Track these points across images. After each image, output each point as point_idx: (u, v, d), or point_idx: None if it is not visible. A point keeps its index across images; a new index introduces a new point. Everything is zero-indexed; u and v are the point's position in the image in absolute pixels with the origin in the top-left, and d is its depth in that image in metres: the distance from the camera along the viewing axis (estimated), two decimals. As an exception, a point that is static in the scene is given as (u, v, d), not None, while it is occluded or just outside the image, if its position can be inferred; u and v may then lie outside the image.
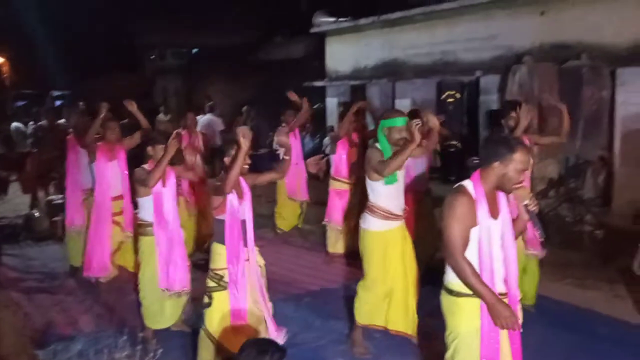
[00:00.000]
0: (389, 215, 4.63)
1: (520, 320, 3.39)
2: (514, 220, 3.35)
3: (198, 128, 9.80)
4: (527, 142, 5.08)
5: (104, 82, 24.56)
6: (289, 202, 8.09)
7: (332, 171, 7.34)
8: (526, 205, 3.31)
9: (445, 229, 3.19)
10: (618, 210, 8.21)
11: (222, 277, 4.23)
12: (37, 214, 9.06)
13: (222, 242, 4.22)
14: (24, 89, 25.44)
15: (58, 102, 21.81)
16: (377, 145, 4.63)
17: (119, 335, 3.40)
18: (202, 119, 14.83)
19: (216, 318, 4.25)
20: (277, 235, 8.22)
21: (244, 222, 4.28)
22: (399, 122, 4.56)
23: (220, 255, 4.24)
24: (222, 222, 4.19)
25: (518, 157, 3.13)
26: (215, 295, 4.24)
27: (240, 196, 4.23)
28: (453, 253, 3.15)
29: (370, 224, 4.66)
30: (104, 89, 23.46)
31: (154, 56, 31.65)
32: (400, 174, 4.66)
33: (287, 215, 8.22)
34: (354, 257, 6.01)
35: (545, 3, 9.15)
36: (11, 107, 20.77)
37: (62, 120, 15.50)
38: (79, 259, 6.82)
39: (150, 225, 4.95)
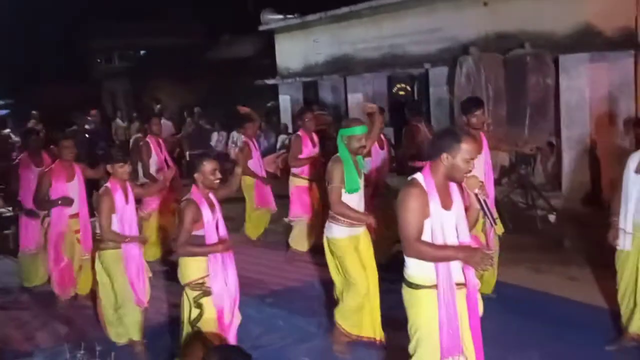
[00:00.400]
0: (353, 222, 4.66)
1: (481, 310, 3.46)
2: (466, 210, 3.41)
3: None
4: (484, 139, 5.25)
5: (50, 89, 23.95)
6: (257, 211, 8.08)
7: (293, 169, 7.37)
8: (476, 194, 3.36)
9: (400, 221, 3.23)
10: (568, 193, 8.45)
11: (202, 284, 4.21)
12: (-15, 228, 8.76)
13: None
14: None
15: (1, 112, 21.13)
16: (339, 155, 4.64)
17: (77, 348, 3.32)
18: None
19: (211, 321, 4.24)
20: (240, 236, 8.16)
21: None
22: (358, 130, 4.60)
23: (197, 268, 4.22)
24: (201, 237, 4.21)
25: (464, 146, 3.20)
26: (203, 301, 4.22)
27: (213, 210, 4.26)
28: (410, 242, 3.20)
29: (335, 232, 4.67)
30: (50, 96, 22.89)
31: (100, 60, 31.05)
32: (361, 181, 4.70)
33: (257, 224, 8.18)
34: (317, 253, 5.99)
35: (488, -6, 9.33)
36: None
37: (7, 130, 15.05)
38: (32, 280, 6.81)
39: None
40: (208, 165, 4.21)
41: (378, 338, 4.79)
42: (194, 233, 4.20)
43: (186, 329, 4.30)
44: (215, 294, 4.23)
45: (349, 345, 4.80)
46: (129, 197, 4.97)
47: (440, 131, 3.45)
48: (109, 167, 4.92)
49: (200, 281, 4.23)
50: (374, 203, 5.92)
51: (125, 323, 4.91)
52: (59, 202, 5.92)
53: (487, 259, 3.21)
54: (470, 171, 3.27)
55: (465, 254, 3.22)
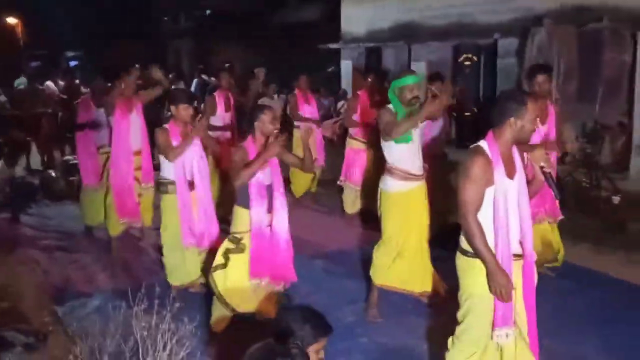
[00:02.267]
0: (407, 176, 4.60)
1: (535, 282, 3.40)
2: (529, 182, 3.34)
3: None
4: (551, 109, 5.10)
5: (118, 44, 24.48)
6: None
7: (351, 131, 7.34)
8: (542, 167, 3.30)
9: (460, 189, 3.19)
10: (635, 176, 8.14)
11: (240, 239, 4.26)
12: (53, 174, 9.14)
13: (245, 206, 4.26)
14: (37, 50, 25.44)
15: (72, 63, 21.81)
16: (390, 106, 4.58)
17: (135, 291, 3.45)
18: (196, 82, 15.25)
19: (231, 279, 4.30)
20: (291, 198, 8.24)
21: (269, 187, 4.32)
22: (410, 80, 4.51)
23: (241, 219, 4.28)
24: (246, 187, 4.23)
25: (530, 107, 3.17)
26: (232, 257, 4.28)
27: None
28: (465, 213, 3.17)
29: (389, 185, 4.64)
30: (117, 51, 23.43)
31: (167, 18, 31.43)
32: (415, 133, 4.60)
33: (300, 181, 8.20)
34: (371, 219, 5.97)
35: (567, -38, 8.94)
36: (25, 67, 20.77)
37: (77, 81, 15.50)
38: (95, 218, 6.92)
39: (172, 183, 4.97)
40: (268, 114, 4.28)
41: (418, 291, 4.81)
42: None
43: (211, 278, 4.36)
44: (253, 259, 4.26)
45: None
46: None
47: (502, 96, 3.37)
48: (172, 109, 4.96)
49: (239, 236, 4.27)
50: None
51: (185, 265, 5.05)
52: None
53: (508, 292, 3.13)
54: (535, 129, 3.25)
55: (496, 273, 3.11)
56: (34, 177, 9.49)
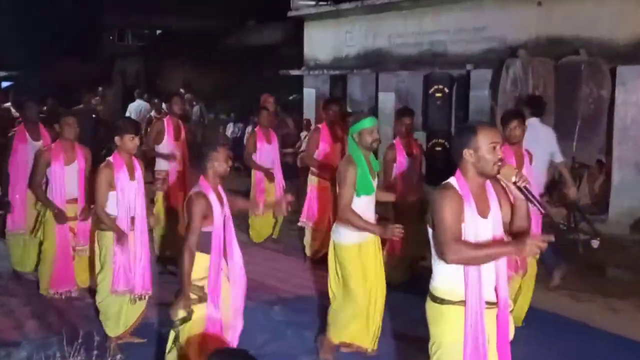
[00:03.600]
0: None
1: (512, 334, 3.45)
2: (513, 206, 3.34)
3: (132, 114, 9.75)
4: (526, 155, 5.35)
5: (59, 63, 24.24)
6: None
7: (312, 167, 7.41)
8: (515, 183, 3.25)
9: (437, 225, 3.20)
10: (615, 218, 8.36)
11: (202, 287, 4.20)
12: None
13: (206, 252, 4.22)
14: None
15: (5, 84, 21.46)
16: (351, 156, 4.68)
17: (70, 340, 3.37)
18: (132, 106, 15.30)
19: (195, 331, 4.20)
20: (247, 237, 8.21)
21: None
22: (368, 123, 4.66)
23: (199, 267, 4.20)
24: (208, 234, 4.19)
25: (482, 135, 3.20)
26: (195, 308, 4.20)
27: (222, 205, 4.25)
28: (449, 244, 3.13)
29: (342, 236, 4.73)
30: (58, 70, 23.19)
31: (112, 37, 31.38)
32: (375, 183, 4.75)
33: (260, 226, 8.17)
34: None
35: (543, -7, 9.28)
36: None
37: (8, 104, 15.25)
38: (24, 265, 6.83)
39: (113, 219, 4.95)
40: (221, 153, 4.23)
41: (370, 348, 4.87)
42: (202, 229, 4.17)
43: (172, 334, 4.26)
44: (213, 305, 4.21)
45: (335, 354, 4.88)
46: (135, 174, 5.01)
47: (456, 130, 3.46)
48: (117, 139, 4.95)
49: (200, 283, 4.21)
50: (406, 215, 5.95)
51: (123, 312, 4.97)
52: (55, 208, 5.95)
53: (538, 242, 3.11)
54: (500, 160, 3.24)
55: (514, 246, 3.15)
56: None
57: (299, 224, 7.52)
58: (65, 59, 24.62)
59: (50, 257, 6.10)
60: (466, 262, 3.16)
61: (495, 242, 3.21)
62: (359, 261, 4.72)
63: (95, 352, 3.40)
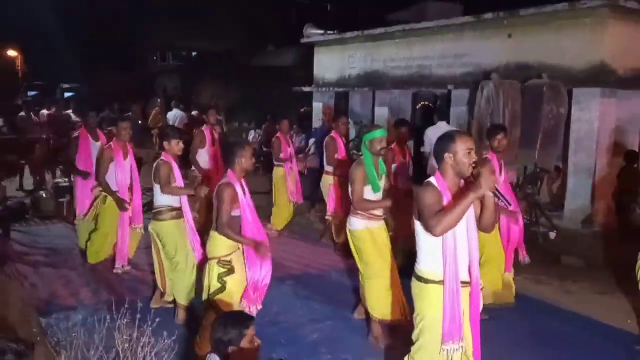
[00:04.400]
0: (371, 216, 4.70)
1: (481, 307, 3.45)
2: (482, 202, 3.29)
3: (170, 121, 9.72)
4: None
5: (110, 79, 24.33)
6: (287, 203, 8.07)
7: (327, 167, 7.41)
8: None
9: (421, 210, 3.19)
10: (569, 214, 8.34)
11: (229, 262, 4.19)
12: (44, 195, 8.97)
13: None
14: (36, 81, 25.12)
15: (67, 94, 21.56)
16: (362, 159, 4.66)
17: (118, 307, 3.39)
18: (170, 114, 15.51)
19: (230, 297, 4.18)
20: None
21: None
22: (379, 133, 4.66)
23: (226, 245, 4.17)
24: (238, 218, 4.16)
25: (459, 141, 3.21)
26: (227, 279, 4.18)
27: (245, 195, 4.24)
28: (433, 220, 3.09)
29: (355, 224, 4.72)
30: (110, 84, 23.28)
31: (156, 57, 31.44)
32: (382, 183, 4.74)
33: (281, 217, 8.10)
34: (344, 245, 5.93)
35: (513, 27, 9.24)
36: (23, 96, 20.47)
37: (70, 111, 15.33)
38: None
39: (171, 210, 5.05)
40: (247, 150, 4.24)
41: (407, 318, 4.66)
42: (232, 214, 4.16)
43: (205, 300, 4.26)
44: (248, 277, 4.21)
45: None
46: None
47: (438, 139, 3.44)
48: (165, 144, 5.07)
49: (227, 259, 4.18)
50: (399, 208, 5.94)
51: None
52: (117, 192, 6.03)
53: (490, 173, 3.09)
54: (474, 163, 3.24)
55: (474, 192, 3.07)
56: (26, 197, 9.30)
57: (326, 217, 7.50)
58: (115, 75, 24.70)
59: (111, 237, 6.13)
60: (449, 226, 3.09)
61: (460, 198, 3.11)
62: (372, 243, 4.68)
63: (138, 316, 3.40)
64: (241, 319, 2.83)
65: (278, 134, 8.14)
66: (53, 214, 8.63)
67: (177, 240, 5.02)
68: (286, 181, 7.97)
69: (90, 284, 5.95)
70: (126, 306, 3.28)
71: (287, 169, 7.99)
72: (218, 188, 4.19)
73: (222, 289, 4.15)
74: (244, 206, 4.18)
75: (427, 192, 3.21)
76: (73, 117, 14.52)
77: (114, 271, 6.08)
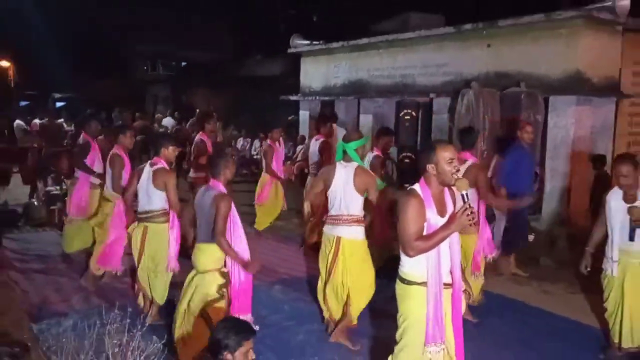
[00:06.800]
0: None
1: (463, 309, 3.46)
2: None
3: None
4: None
5: (101, 88, 24.16)
6: (272, 205, 8.05)
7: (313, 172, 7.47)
8: (466, 195, 3.20)
9: (401, 225, 3.21)
10: (547, 217, 8.40)
11: (227, 273, 4.22)
12: (35, 203, 8.87)
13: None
14: (28, 90, 24.89)
15: (59, 104, 21.37)
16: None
17: (108, 311, 3.36)
18: (163, 121, 15.67)
19: (222, 306, 4.17)
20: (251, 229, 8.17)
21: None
22: (362, 142, 4.76)
23: (221, 257, 4.21)
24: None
25: (440, 151, 3.23)
26: (224, 290, 4.18)
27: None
28: (409, 243, 3.17)
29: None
30: (100, 93, 23.11)
31: (146, 67, 31.32)
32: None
33: (264, 218, 8.12)
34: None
35: (492, 37, 9.33)
36: (15, 106, 20.26)
37: (61, 120, 15.21)
38: (74, 246, 6.72)
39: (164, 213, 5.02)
40: (232, 162, 4.33)
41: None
42: None
43: (190, 309, 4.19)
44: (233, 286, 4.22)
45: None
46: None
47: (419, 150, 3.47)
48: (163, 149, 5.02)
49: (225, 270, 4.20)
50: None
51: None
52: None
53: (469, 212, 3.08)
54: (457, 171, 3.25)
55: (452, 223, 3.14)
56: (17, 205, 9.18)
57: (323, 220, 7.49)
58: (106, 84, 24.54)
59: (106, 241, 5.97)
60: (423, 251, 3.19)
61: (439, 229, 3.17)
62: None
63: (128, 321, 3.37)
64: (244, 329, 2.77)
65: (269, 142, 8.14)
66: (44, 221, 8.53)
67: (164, 242, 4.99)
68: (271, 186, 7.99)
69: (81, 290, 5.87)
70: (116, 311, 3.24)
71: (273, 178, 8.01)
72: (219, 198, 4.15)
73: (220, 299, 4.14)
74: (235, 217, 4.22)
75: (410, 204, 3.21)
76: (65, 126, 14.42)
77: (114, 273, 6.00)
